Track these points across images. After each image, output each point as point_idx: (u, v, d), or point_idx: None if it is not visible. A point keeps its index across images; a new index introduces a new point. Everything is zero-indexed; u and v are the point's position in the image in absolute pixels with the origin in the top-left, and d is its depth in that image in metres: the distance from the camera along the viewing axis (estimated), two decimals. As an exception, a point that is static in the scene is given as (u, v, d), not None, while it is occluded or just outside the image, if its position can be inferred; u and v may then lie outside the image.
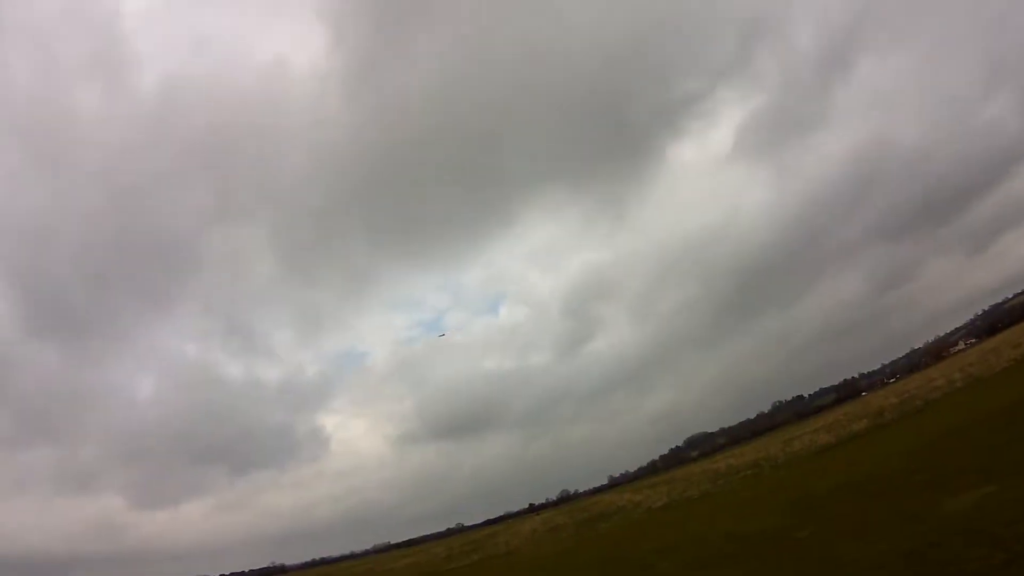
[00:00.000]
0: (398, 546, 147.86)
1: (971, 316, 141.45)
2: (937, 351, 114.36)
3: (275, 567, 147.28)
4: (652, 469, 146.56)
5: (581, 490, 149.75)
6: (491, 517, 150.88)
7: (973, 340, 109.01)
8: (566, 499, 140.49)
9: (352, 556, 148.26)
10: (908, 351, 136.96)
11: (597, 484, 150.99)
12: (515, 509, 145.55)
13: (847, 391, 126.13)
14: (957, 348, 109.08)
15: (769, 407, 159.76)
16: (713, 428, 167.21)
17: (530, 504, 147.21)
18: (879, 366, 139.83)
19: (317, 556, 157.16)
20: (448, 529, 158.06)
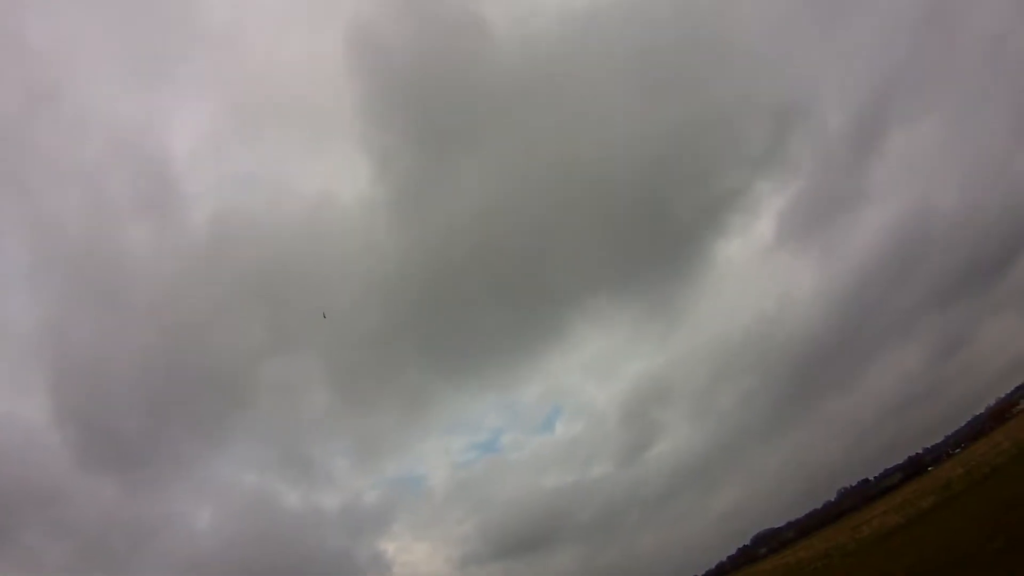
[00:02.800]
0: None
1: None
2: (1000, 413, 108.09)
3: None
4: (720, 571, 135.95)
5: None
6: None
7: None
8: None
9: None
10: (971, 418, 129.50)
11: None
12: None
13: (913, 468, 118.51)
14: (1020, 408, 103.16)
15: (835, 495, 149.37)
16: (780, 522, 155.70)
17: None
18: (943, 438, 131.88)
19: None
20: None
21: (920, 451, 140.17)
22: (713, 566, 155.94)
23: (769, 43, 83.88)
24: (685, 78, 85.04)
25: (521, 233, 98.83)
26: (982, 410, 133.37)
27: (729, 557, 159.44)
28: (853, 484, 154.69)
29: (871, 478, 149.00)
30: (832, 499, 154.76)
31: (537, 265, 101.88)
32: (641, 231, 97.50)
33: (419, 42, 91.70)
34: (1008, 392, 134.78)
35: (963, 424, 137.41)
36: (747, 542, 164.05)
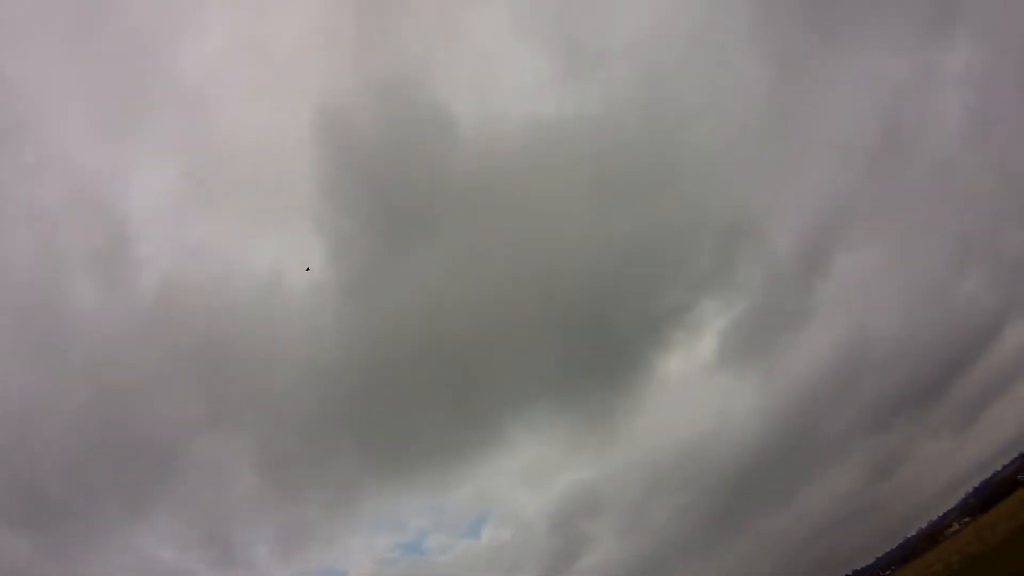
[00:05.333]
0: None
1: (963, 494, 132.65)
2: (933, 536, 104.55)
3: None
4: None
5: None
6: None
7: (967, 519, 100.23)
8: None
9: None
10: (903, 539, 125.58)
11: None
12: None
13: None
14: (952, 530, 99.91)
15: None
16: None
17: None
18: (874, 559, 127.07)
19: None
20: None
21: (852, 572, 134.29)
22: None
23: (722, 164, 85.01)
24: (639, 193, 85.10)
25: (466, 333, 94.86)
26: (915, 532, 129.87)
27: None
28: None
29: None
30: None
31: (479, 367, 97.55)
32: (585, 341, 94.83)
33: (385, 131, 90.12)
34: (941, 515, 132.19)
35: (896, 545, 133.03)
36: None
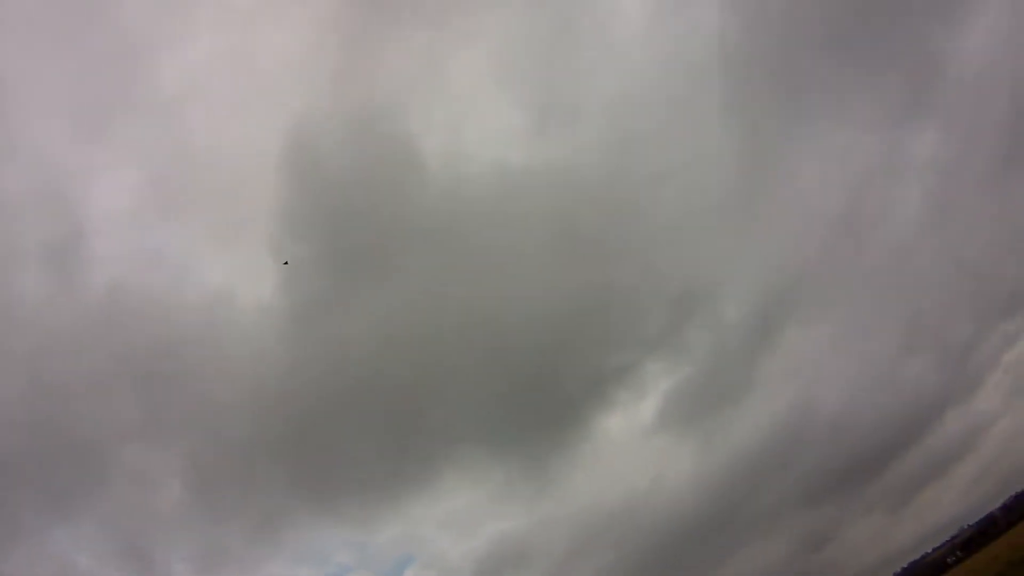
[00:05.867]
0: None
1: (892, 574, 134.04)
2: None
3: None
4: None
5: None
6: None
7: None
8: None
9: None
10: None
11: None
12: None
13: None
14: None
15: None
16: None
17: None
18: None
19: None
20: None
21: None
22: None
23: (682, 229, 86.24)
24: (598, 251, 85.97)
25: (410, 371, 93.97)
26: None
27: None
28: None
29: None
30: None
31: (419, 407, 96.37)
32: (528, 391, 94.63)
33: (354, 160, 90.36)
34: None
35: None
36: None
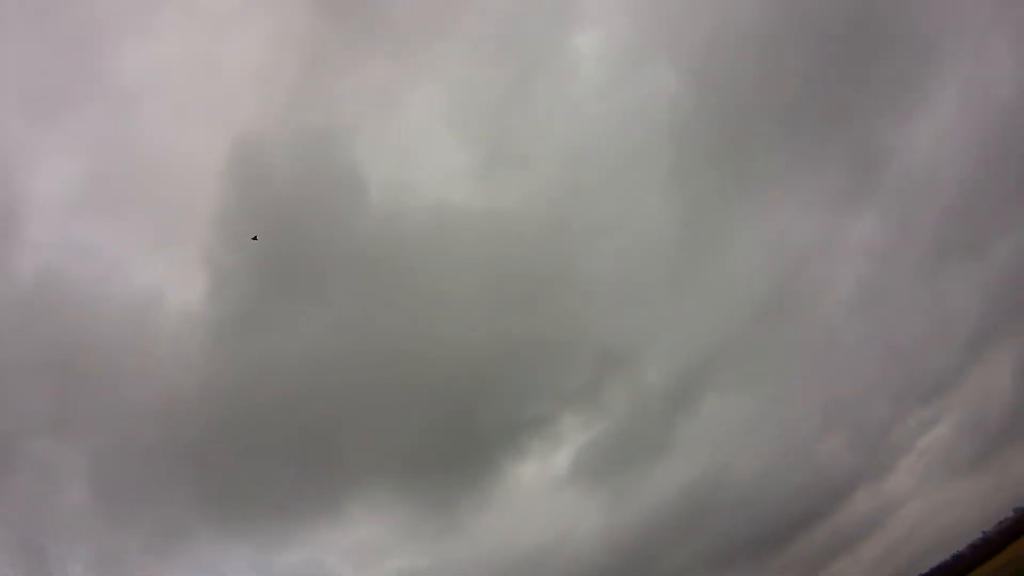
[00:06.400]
0: None
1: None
2: None
3: None
4: None
5: None
6: None
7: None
8: None
9: None
10: None
11: None
12: None
13: None
14: None
15: None
16: None
17: None
18: None
19: None
20: None
21: None
22: None
23: (614, 287, 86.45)
24: (529, 299, 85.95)
25: (330, 396, 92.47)
26: None
27: None
28: None
29: None
30: None
31: (334, 432, 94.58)
32: (443, 430, 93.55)
33: (297, 178, 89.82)
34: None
35: None
36: None
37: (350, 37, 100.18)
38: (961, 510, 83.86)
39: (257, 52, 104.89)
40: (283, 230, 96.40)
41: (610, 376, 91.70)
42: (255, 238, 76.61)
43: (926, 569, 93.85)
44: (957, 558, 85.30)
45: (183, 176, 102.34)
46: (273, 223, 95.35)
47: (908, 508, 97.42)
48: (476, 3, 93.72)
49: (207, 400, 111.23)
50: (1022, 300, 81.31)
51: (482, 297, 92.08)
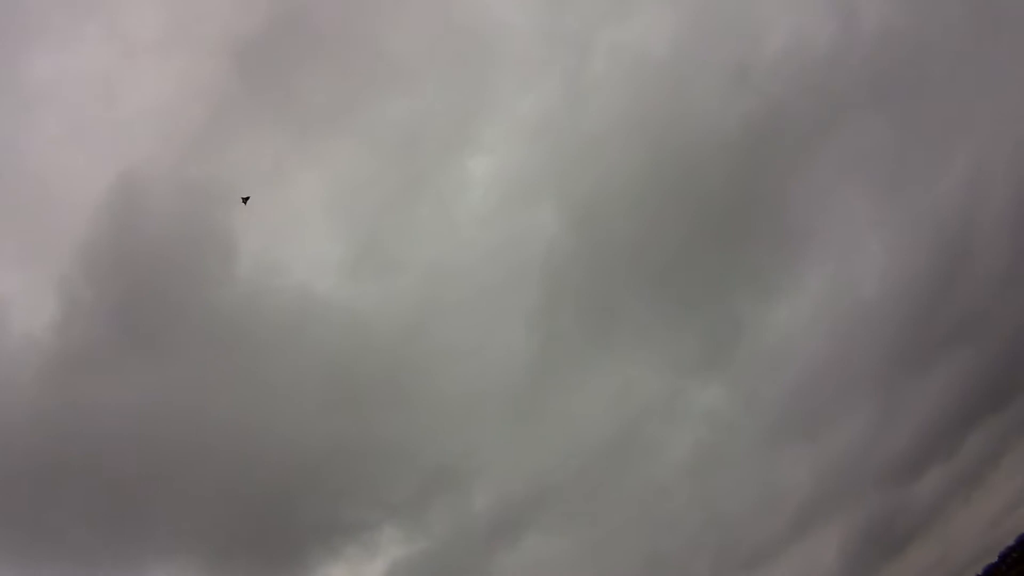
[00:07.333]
0: None
1: None
2: None
3: None
4: None
5: None
6: None
7: None
8: None
9: None
10: None
11: None
12: None
13: None
14: None
15: None
16: None
17: None
18: None
19: None
20: None
21: None
22: None
23: (457, 407, 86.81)
24: (372, 401, 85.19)
25: (154, 456, 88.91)
26: None
27: None
28: None
29: None
30: None
31: (150, 495, 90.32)
32: (260, 516, 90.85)
33: (170, 229, 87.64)
34: None
35: None
36: None
37: (258, 103, 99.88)
38: None
39: (165, 90, 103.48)
40: (146, 278, 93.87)
41: (439, 495, 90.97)
42: (246, 200, 73.30)
43: None
44: None
45: (59, 197, 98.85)
46: (138, 268, 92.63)
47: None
48: (384, 105, 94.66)
49: (28, 432, 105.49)
50: (851, 487, 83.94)
51: (326, 390, 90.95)
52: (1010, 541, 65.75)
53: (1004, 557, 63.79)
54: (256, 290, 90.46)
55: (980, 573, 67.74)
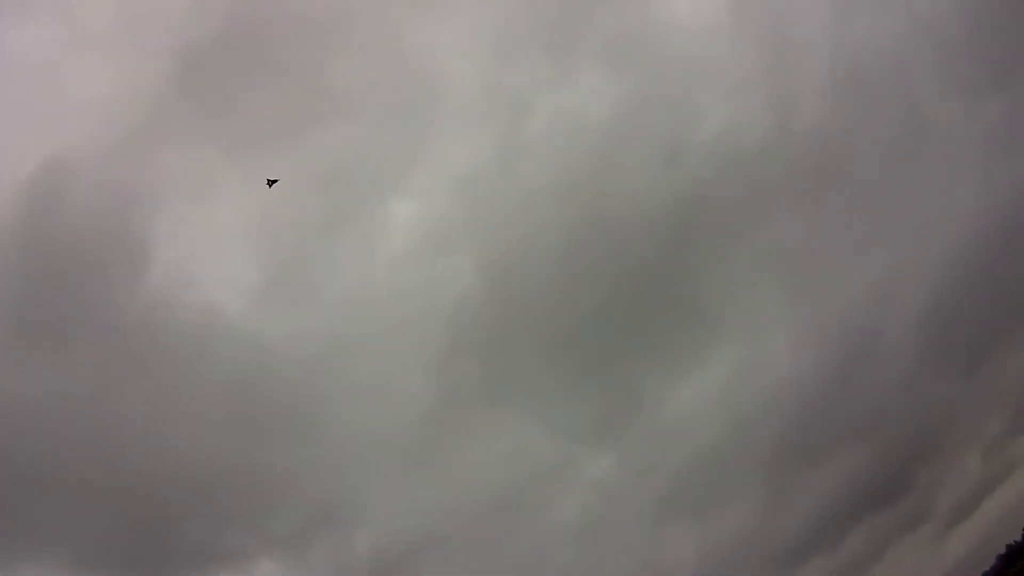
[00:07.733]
0: None
1: None
2: None
3: None
4: None
5: None
6: None
7: None
8: None
9: None
10: None
11: None
12: None
13: None
14: None
15: None
16: None
17: None
18: None
19: None
20: None
21: None
22: None
23: (354, 448, 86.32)
24: (268, 430, 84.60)
25: (33, 456, 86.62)
26: None
27: None
28: None
29: None
30: None
31: (20, 494, 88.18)
32: (135, 533, 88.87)
33: (89, 226, 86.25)
34: None
35: None
36: None
37: (195, 112, 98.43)
38: None
39: (105, 85, 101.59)
40: (54, 271, 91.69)
41: (321, 532, 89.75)
42: (271, 183, 71.28)
43: None
44: None
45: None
46: (47, 260, 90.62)
47: None
48: (320, 135, 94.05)
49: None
50: (734, 570, 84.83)
51: (222, 412, 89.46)
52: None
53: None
54: (164, 301, 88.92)
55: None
